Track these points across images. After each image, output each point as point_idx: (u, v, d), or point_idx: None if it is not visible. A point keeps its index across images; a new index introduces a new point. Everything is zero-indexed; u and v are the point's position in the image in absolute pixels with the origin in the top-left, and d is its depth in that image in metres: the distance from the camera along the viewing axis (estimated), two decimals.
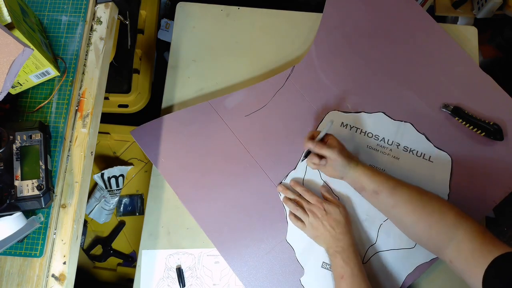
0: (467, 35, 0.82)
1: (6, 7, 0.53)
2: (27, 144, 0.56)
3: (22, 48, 0.48)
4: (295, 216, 0.69)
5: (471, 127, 0.72)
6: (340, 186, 0.71)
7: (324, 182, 0.71)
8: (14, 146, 0.56)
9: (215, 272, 0.70)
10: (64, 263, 0.57)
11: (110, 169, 0.94)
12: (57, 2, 0.67)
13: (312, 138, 0.67)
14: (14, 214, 0.53)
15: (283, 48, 0.82)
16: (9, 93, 0.59)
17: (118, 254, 1.00)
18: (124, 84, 0.99)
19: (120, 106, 1.01)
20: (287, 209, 0.71)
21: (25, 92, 0.63)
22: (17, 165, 0.55)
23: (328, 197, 0.69)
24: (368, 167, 0.65)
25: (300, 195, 0.70)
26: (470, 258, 0.51)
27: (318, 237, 0.66)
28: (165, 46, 1.19)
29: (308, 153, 0.67)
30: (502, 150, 0.72)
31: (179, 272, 0.69)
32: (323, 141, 0.67)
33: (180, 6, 0.86)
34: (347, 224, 0.66)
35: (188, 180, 0.73)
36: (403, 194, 0.60)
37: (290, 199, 0.70)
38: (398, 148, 0.73)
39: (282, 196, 0.71)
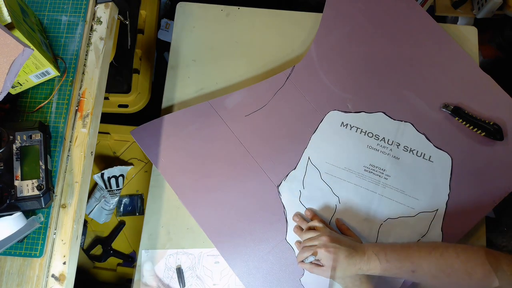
0: (467, 35, 0.82)
1: (6, 7, 0.53)
2: (27, 144, 0.56)
3: (22, 48, 0.48)
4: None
5: (471, 127, 0.72)
6: (341, 187, 0.71)
7: (325, 182, 0.71)
8: (14, 146, 0.56)
9: (215, 272, 0.70)
10: (64, 263, 0.57)
11: (110, 169, 0.94)
12: (57, 2, 0.67)
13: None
14: (14, 214, 0.53)
15: (283, 48, 0.82)
16: (9, 93, 0.59)
17: (118, 254, 0.99)
18: (124, 84, 0.99)
19: (120, 106, 1.01)
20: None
21: (25, 92, 0.63)
22: (17, 165, 0.55)
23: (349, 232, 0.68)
24: (377, 253, 0.59)
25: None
26: None
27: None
28: (165, 46, 1.18)
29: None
30: (502, 150, 0.72)
31: (179, 272, 0.69)
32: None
33: (180, 6, 0.86)
34: None
35: (188, 180, 0.73)
36: (424, 274, 0.57)
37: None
38: (398, 148, 0.73)
39: (283, 197, 0.71)
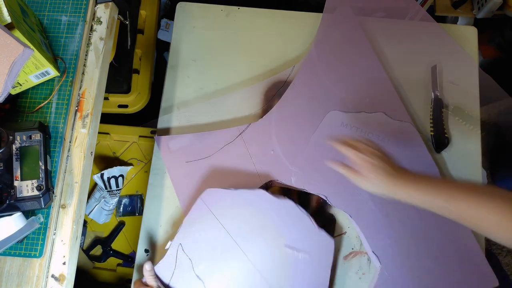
0: (467, 35, 0.82)
1: (6, 7, 0.53)
2: (26, 145, 0.56)
3: (22, 49, 0.48)
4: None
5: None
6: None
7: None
8: (13, 147, 0.56)
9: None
10: (64, 263, 0.57)
11: (109, 170, 0.94)
12: (57, 2, 0.67)
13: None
14: (14, 215, 0.53)
15: (283, 48, 0.82)
16: (9, 93, 0.58)
17: (117, 254, 0.99)
18: (124, 84, 0.99)
19: (120, 106, 1.01)
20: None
21: (25, 92, 0.63)
22: (16, 166, 0.55)
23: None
24: (415, 180, 0.55)
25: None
26: None
27: None
28: (165, 46, 1.18)
29: None
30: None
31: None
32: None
33: (180, 6, 0.86)
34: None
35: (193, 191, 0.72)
36: (457, 211, 0.51)
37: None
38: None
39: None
